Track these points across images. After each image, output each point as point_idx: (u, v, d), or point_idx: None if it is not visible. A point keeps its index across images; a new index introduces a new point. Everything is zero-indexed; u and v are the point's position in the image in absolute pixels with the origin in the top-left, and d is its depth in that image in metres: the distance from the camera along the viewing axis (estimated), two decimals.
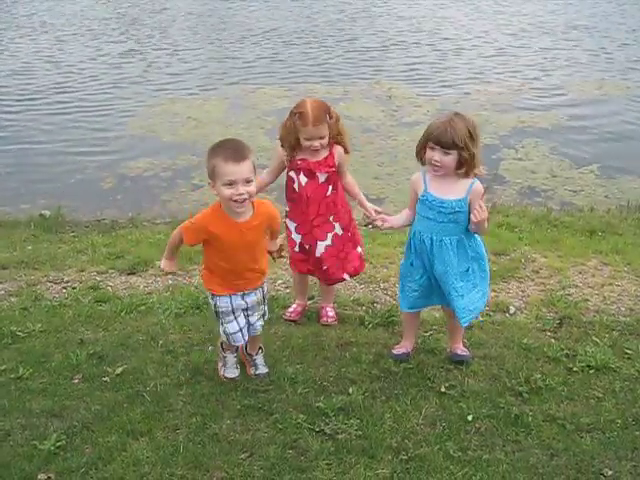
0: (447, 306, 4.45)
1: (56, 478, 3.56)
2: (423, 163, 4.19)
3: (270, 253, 4.33)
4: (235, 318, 4.16)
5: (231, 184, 3.71)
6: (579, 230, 7.23)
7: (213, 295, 4.14)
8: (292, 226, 5.00)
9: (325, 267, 4.98)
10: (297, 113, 4.60)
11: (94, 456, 3.70)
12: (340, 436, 3.82)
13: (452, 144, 3.97)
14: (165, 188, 9.28)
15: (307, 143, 4.66)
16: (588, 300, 5.57)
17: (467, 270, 4.28)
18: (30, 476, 3.57)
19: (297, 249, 5.02)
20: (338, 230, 4.96)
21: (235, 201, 3.76)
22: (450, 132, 3.96)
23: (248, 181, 3.75)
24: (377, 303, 5.56)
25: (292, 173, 4.85)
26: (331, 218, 4.92)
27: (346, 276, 5.14)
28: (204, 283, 4.23)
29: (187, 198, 8.98)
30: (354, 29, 18.87)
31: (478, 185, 4.16)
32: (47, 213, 8.40)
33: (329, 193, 4.86)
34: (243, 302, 4.16)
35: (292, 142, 4.70)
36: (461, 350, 4.59)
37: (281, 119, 4.86)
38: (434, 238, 4.21)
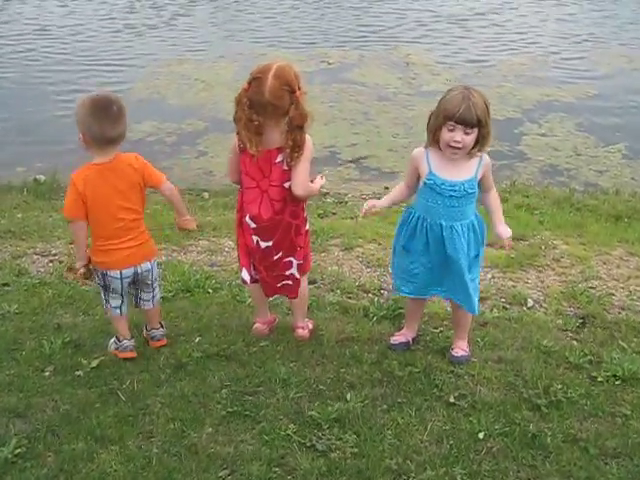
0: (449, 296, 4.14)
1: None
2: (436, 143, 3.76)
3: None
4: None
5: None
6: (604, 215, 6.86)
7: None
8: None
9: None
10: None
11: (56, 467, 3.28)
12: (334, 454, 3.37)
13: (476, 122, 3.60)
14: (168, 154, 8.90)
15: None
16: (613, 294, 5.17)
17: (477, 256, 3.98)
18: None
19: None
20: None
21: None
22: (473, 109, 3.58)
23: None
24: (385, 290, 5.16)
25: None
26: None
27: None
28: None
29: (190, 165, 8.62)
30: None
31: (487, 158, 3.85)
32: (42, 178, 8.02)
33: None
34: None
35: None
36: (458, 350, 4.18)
37: None
38: (444, 224, 3.83)
